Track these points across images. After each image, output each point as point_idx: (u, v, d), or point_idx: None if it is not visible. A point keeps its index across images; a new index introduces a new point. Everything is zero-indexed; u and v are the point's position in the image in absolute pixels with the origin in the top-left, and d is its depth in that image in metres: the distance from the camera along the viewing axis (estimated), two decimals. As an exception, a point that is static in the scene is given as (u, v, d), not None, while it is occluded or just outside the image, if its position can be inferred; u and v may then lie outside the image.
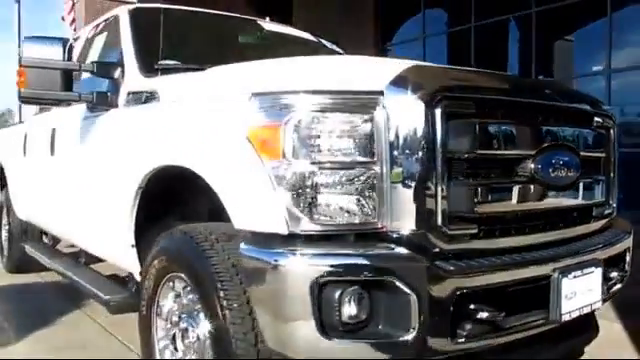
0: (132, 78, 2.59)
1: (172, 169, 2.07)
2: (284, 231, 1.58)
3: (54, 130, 3.42)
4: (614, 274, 2.16)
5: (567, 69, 9.84)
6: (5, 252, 5.28)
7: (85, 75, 2.89)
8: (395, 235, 1.61)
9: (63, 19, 3.89)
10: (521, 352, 1.95)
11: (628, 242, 2.29)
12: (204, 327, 1.94)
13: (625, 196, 2.90)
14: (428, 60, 10.45)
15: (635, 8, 8.01)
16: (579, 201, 2.08)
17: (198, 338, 1.98)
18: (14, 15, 13.16)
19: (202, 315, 1.94)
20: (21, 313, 3.95)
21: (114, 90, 2.63)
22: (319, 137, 1.60)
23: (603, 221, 2.24)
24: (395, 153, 1.61)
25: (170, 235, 2.09)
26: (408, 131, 1.61)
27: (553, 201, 1.95)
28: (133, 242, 2.42)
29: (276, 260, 1.57)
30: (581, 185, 2.07)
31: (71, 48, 2.64)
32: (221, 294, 1.75)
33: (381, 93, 1.62)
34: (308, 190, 1.59)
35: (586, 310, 1.92)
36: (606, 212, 2.27)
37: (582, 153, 2.06)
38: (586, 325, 2.34)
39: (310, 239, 1.60)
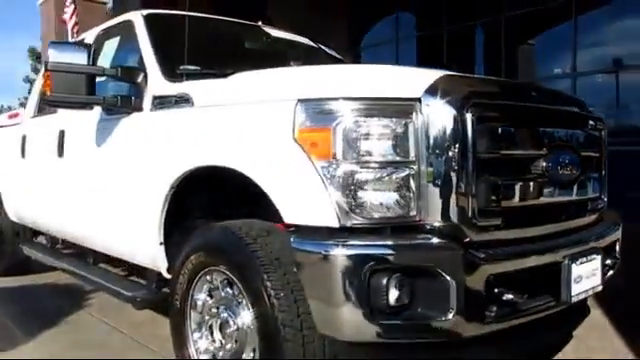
0: (156, 83, 2.70)
1: (210, 169, 2.20)
2: (335, 224, 1.75)
3: (63, 132, 3.47)
4: (608, 261, 2.40)
5: (534, 71, 10.28)
6: (-3, 254, 5.24)
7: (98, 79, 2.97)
8: (432, 227, 1.80)
9: (64, 22, 3.90)
10: (531, 332, 2.17)
11: (619, 233, 2.55)
12: (245, 317, 2.09)
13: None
14: (401, 62, 10.77)
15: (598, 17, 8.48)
16: (580, 196, 2.32)
17: (238, 328, 2.12)
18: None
19: (243, 306, 2.09)
20: (25, 315, 3.96)
21: (137, 94, 2.73)
22: (364, 139, 1.78)
23: (597, 214, 2.49)
24: (431, 154, 1.79)
25: (208, 231, 2.22)
26: (442, 134, 1.80)
27: (560, 196, 2.18)
28: (162, 240, 2.54)
29: (328, 251, 1.73)
30: (581, 181, 2.31)
31: (94, 54, 2.72)
32: (268, 284, 1.90)
33: (418, 100, 1.80)
34: (356, 187, 1.76)
35: (590, 292, 2.16)
36: (599, 206, 2.51)
37: (582, 153, 2.30)
38: (581, 308, 2.59)
39: (357, 231, 1.78)
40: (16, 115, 4.67)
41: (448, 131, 1.80)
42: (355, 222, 1.76)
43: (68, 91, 2.63)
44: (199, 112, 2.32)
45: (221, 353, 2.20)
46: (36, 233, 5.03)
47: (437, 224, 1.80)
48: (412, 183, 1.78)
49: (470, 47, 10.97)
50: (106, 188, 2.92)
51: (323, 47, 4.05)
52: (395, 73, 2.04)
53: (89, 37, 3.75)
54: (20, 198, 4.37)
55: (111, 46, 3.30)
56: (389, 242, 1.76)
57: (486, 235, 1.87)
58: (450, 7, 10.27)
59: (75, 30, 3.89)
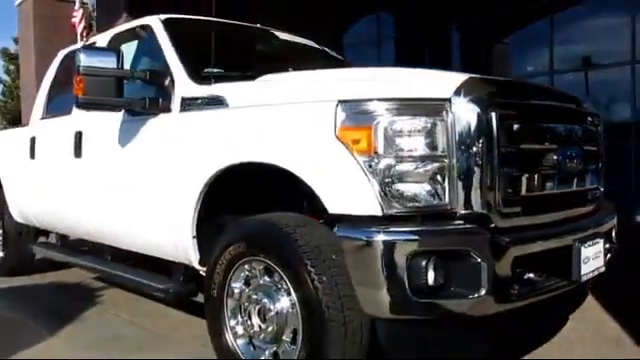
0: (183, 85, 2.84)
1: (248, 166, 2.36)
2: (379, 213, 1.94)
3: (80, 133, 3.57)
4: (607, 246, 2.64)
5: (512, 69, 10.62)
6: (1, 254, 5.26)
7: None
8: (462, 214, 2.00)
9: (74, 26, 3.96)
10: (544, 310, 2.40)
11: (615, 221, 2.79)
12: (284, 302, 2.26)
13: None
14: (383, 61, 11.00)
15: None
16: (583, 186, 2.56)
17: (278, 312, 2.29)
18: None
19: (283, 291, 2.26)
20: (42, 313, 4.03)
21: (164, 96, 2.87)
22: (402, 136, 1.97)
23: (596, 203, 2.73)
24: (460, 148, 1.99)
25: (248, 224, 2.39)
26: (470, 131, 2.00)
27: (568, 186, 2.41)
28: (195, 234, 2.68)
29: (373, 237, 1.92)
30: (584, 173, 2.55)
31: (122, 58, 2.84)
32: (312, 270, 2.07)
33: (448, 100, 2.00)
34: (396, 179, 1.95)
35: (595, 273, 2.40)
36: (597, 195, 2.76)
37: (584, 147, 2.54)
38: (582, 290, 2.83)
39: (397, 219, 1.97)
40: None
41: (475, 128, 2.01)
42: (395, 211, 1.96)
43: (99, 94, 2.76)
44: (236, 113, 2.47)
45: (262, 336, 2.36)
46: (38, 234, 5.11)
47: (467, 212, 2.00)
48: (444, 175, 1.98)
49: (449, 47, 11.28)
50: (134, 186, 3.04)
51: (326, 49, 4.23)
52: (425, 76, 2.24)
53: (101, 40, 3.85)
54: (29, 198, 4.43)
55: (129, 49, 3.40)
56: (427, 228, 1.96)
57: (508, 221, 2.08)
58: (430, 8, 10.54)
59: (85, 33, 3.96)
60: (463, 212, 2.01)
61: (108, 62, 2.77)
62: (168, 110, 2.85)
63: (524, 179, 2.16)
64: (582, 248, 2.28)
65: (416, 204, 1.98)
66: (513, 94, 2.22)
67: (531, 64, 10.03)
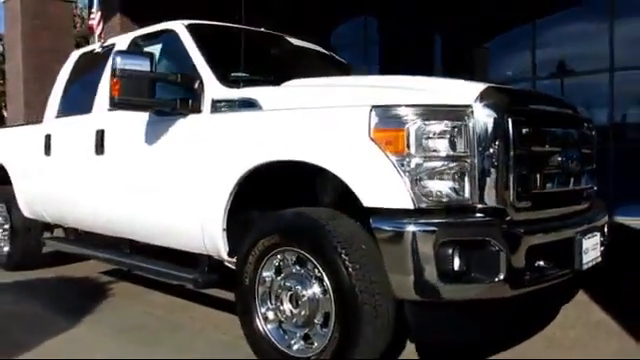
0: (213, 88, 3.03)
1: (282, 163, 2.57)
2: (411, 206, 2.18)
3: (102, 131, 3.73)
4: (602, 239, 2.93)
5: (494, 74, 10.98)
6: (5, 250, 5.37)
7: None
8: (482, 208, 2.25)
9: (91, 28, 4.08)
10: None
11: (606, 217, 3.08)
12: (316, 288, 2.49)
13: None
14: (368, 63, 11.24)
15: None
16: (581, 185, 2.83)
17: (309, 297, 2.51)
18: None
19: (315, 279, 2.48)
20: (59, 304, 4.17)
21: (194, 98, 3.05)
22: (429, 138, 2.21)
23: (591, 200, 3.01)
24: (480, 149, 2.24)
25: (282, 217, 2.60)
26: (489, 134, 2.25)
27: (570, 184, 2.69)
28: (225, 226, 2.88)
29: (406, 228, 2.16)
30: (582, 173, 2.83)
31: (154, 61, 3.02)
32: (346, 258, 2.30)
33: (470, 107, 2.24)
34: (424, 176, 2.19)
35: (593, 262, 2.67)
36: (592, 193, 3.04)
37: (582, 150, 2.82)
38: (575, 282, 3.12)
39: (425, 212, 2.20)
40: None
41: (493, 131, 2.26)
42: (424, 205, 2.19)
43: (133, 95, 2.94)
44: (270, 115, 2.68)
45: (294, 320, 2.57)
46: (44, 229, 5.23)
47: (486, 206, 2.25)
48: (466, 173, 2.22)
49: (431, 51, 11.57)
50: (163, 182, 3.22)
51: (332, 54, 4.46)
52: (448, 85, 2.48)
53: (120, 43, 4.01)
54: (42, 194, 4.54)
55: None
56: (452, 220, 2.20)
57: (522, 215, 2.34)
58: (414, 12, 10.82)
59: (103, 35, 4.10)
60: (482, 206, 2.25)
61: (142, 65, 2.95)
62: (198, 111, 3.04)
63: (534, 177, 2.42)
64: (583, 240, 2.55)
65: (442, 198, 2.22)
66: (524, 101, 2.48)
67: (512, 69, 10.42)
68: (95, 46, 4.25)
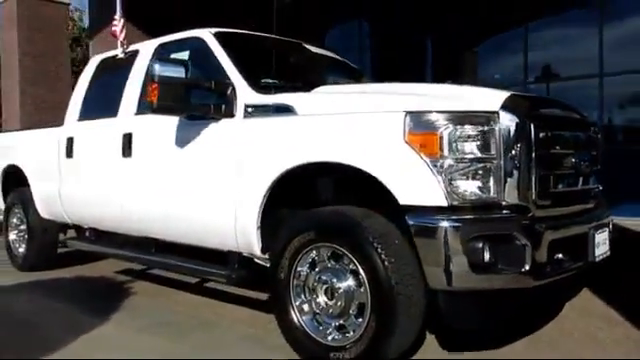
0: (246, 94, 3.20)
1: (316, 165, 2.75)
2: (445, 204, 2.37)
3: (129, 135, 3.88)
4: (609, 234, 3.15)
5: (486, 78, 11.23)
6: (20, 251, 5.48)
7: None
8: (508, 205, 2.45)
9: (115, 35, 4.20)
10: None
11: (610, 215, 3.31)
12: (351, 281, 2.67)
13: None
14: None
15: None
16: (590, 184, 3.06)
17: (345, 290, 2.69)
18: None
19: (349, 272, 2.67)
20: (83, 302, 4.31)
21: (227, 103, 3.22)
22: (460, 141, 2.41)
23: (597, 199, 3.24)
24: (505, 151, 2.45)
25: (318, 215, 2.78)
26: (513, 137, 2.46)
27: (582, 184, 2.91)
28: (259, 224, 3.06)
29: (440, 223, 2.36)
30: (591, 174, 3.05)
31: (189, 68, 3.18)
32: (382, 253, 2.49)
33: (497, 113, 2.45)
34: (456, 176, 2.39)
35: (604, 256, 2.90)
36: (598, 193, 3.27)
37: (591, 152, 3.05)
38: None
39: (457, 209, 2.40)
40: None
41: (517, 135, 2.47)
42: (456, 202, 2.39)
43: (171, 100, 3.11)
44: (306, 119, 2.86)
45: (330, 311, 2.75)
46: (60, 230, 5.35)
47: (511, 203, 2.46)
48: (493, 173, 2.43)
49: (423, 55, 11.81)
50: (196, 183, 3.38)
51: (346, 61, 4.66)
52: (473, 92, 2.69)
53: (144, 49, 4.16)
54: (63, 195, 4.66)
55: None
56: (482, 216, 2.41)
57: (542, 212, 2.56)
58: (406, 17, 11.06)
59: (125, 42, 4.24)
60: (507, 203, 2.46)
61: (178, 72, 3.12)
62: (231, 115, 3.21)
63: (552, 177, 2.64)
64: (595, 235, 2.78)
65: (471, 196, 2.42)
66: (542, 107, 2.70)
67: (502, 72, 10.68)
68: (117, 51, 4.38)
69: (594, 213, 3.01)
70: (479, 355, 2.95)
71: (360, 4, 11.58)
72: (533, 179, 2.50)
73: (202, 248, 3.63)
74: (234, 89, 3.24)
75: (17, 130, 7.65)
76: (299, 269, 2.88)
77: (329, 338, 2.76)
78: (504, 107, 2.48)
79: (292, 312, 2.90)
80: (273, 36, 4.08)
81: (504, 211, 2.45)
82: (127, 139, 3.90)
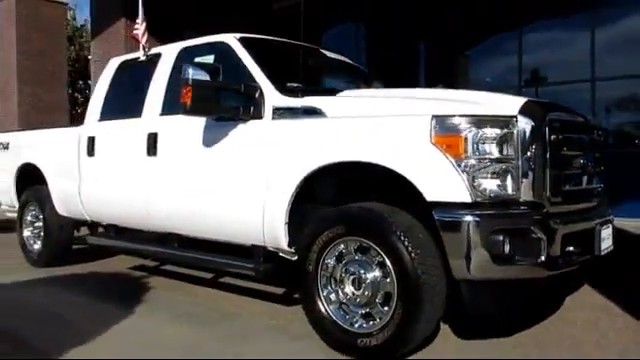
0: (273, 97, 3.40)
1: (346, 164, 2.95)
2: (469, 200, 2.59)
3: (155, 134, 4.05)
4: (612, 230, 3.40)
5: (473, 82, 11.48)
6: (35, 247, 5.61)
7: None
8: (525, 202, 2.68)
9: (136, 39, 4.35)
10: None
11: (611, 213, 3.56)
12: (377, 272, 2.88)
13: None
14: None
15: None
16: (595, 184, 3.30)
17: (371, 280, 2.90)
18: None
19: (376, 264, 2.87)
20: (105, 296, 4.46)
21: (255, 105, 3.41)
22: (482, 143, 2.63)
23: (600, 197, 3.48)
24: (523, 152, 2.67)
25: (347, 211, 2.99)
26: (530, 140, 2.69)
27: (588, 183, 3.15)
28: (287, 220, 3.25)
29: (464, 218, 2.58)
30: (596, 174, 3.29)
31: (219, 72, 3.37)
32: (408, 245, 2.70)
33: (515, 117, 2.67)
34: (478, 174, 2.61)
35: (608, 250, 3.13)
36: (601, 191, 3.51)
37: (595, 153, 3.29)
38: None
39: (479, 205, 2.62)
40: None
41: (533, 138, 2.70)
42: (479, 199, 2.61)
43: (202, 102, 3.29)
44: (335, 121, 3.06)
45: (357, 300, 2.95)
46: (75, 226, 5.50)
47: (527, 200, 2.68)
48: (512, 172, 2.65)
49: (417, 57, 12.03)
50: (224, 181, 3.56)
51: (357, 65, 4.87)
52: (492, 98, 2.92)
53: (167, 53, 4.33)
54: (84, 192, 4.81)
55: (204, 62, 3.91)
56: (502, 212, 2.63)
57: (555, 208, 2.79)
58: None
59: (146, 45, 4.40)
60: (524, 200, 2.68)
61: (203, 75, 3.29)
62: (259, 117, 3.40)
63: (563, 176, 2.87)
64: (601, 230, 3.01)
65: (492, 194, 2.64)
66: (554, 112, 2.93)
67: (494, 76, 10.92)
68: (139, 54, 4.54)
69: (598, 210, 3.24)
70: (490, 344, 3.17)
71: (356, 7, 11.80)
72: (547, 178, 2.73)
73: (224, 243, 3.82)
74: (262, 92, 3.44)
75: (17, 130, 7.75)
76: (327, 261, 3.08)
77: (356, 325, 2.96)
78: (521, 112, 2.70)
79: (319, 302, 3.10)
80: (291, 41, 4.27)
81: (521, 207, 2.67)
82: (152, 139, 4.06)
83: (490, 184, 2.63)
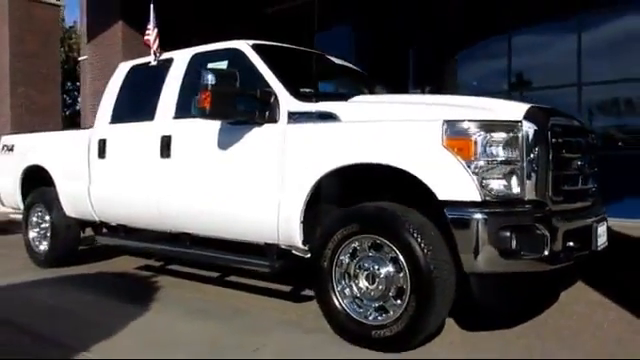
0: (288, 102, 3.56)
1: (358, 166, 3.13)
2: (478, 199, 2.78)
3: (169, 137, 4.19)
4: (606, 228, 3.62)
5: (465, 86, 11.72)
6: (40, 248, 5.70)
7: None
8: (529, 200, 2.88)
9: (148, 44, 4.46)
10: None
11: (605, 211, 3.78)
12: (390, 268, 3.06)
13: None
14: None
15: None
16: (591, 184, 3.52)
17: (385, 275, 3.08)
18: None
19: (389, 260, 3.05)
20: (116, 294, 4.58)
21: (270, 109, 3.58)
22: (490, 146, 2.83)
23: (594, 197, 3.70)
24: (527, 155, 2.87)
25: (363, 210, 3.16)
26: (534, 143, 2.89)
27: (585, 184, 3.37)
28: (302, 219, 3.42)
29: (474, 215, 2.77)
30: (591, 175, 3.51)
31: (237, 78, 3.52)
32: (421, 242, 2.89)
33: (520, 122, 2.87)
34: (487, 175, 2.80)
35: (604, 245, 3.35)
36: (595, 192, 3.73)
37: (591, 155, 3.51)
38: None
39: (488, 203, 2.81)
40: None
41: (537, 141, 2.90)
42: (487, 197, 2.80)
43: (221, 106, 3.44)
44: (350, 125, 3.24)
45: (372, 294, 3.12)
46: (82, 227, 5.61)
47: (532, 198, 2.88)
48: (517, 173, 2.85)
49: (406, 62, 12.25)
50: (240, 182, 3.71)
51: (361, 70, 5.06)
52: (498, 104, 3.12)
53: (179, 58, 4.47)
54: (94, 193, 4.92)
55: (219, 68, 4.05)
56: (508, 210, 2.83)
57: (556, 207, 2.99)
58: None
59: (158, 51, 4.52)
60: (528, 199, 2.88)
61: (212, 81, 3.44)
62: (274, 121, 3.57)
63: (564, 177, 3.08)
64: (598, 227, 3.23)
65: (499, 193, 2.83)
66: (555, 117, 3.14)
67: (486, 81, 11.17)
68: (149, 59, 4.67)
69: (594, 208, 3.46)
70: (493, 335, 3.36)
71: (346, 12, 12.00)
72: (549, 178, 2.94)
73: (232, 241, 3.97)
74: (276, 97, 3.60)
75: (12, 132, 7.80)
76: (341, 258, 3.25)
77: (370, 318, 3.13)
78: (526, 117, 2.91)
79: (334, 296, 3.27)
80: (300, 48, 4.44)
81: (526, 205, 2.87)
82: (166, 141, 4.21)
83: (497, 184, 2.82)
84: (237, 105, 3.51)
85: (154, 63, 4.64)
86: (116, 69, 5.16)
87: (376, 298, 3.12)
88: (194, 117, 3.96)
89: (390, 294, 3.07)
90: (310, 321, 3.65)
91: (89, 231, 5.77)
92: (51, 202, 5.49)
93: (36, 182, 5.77)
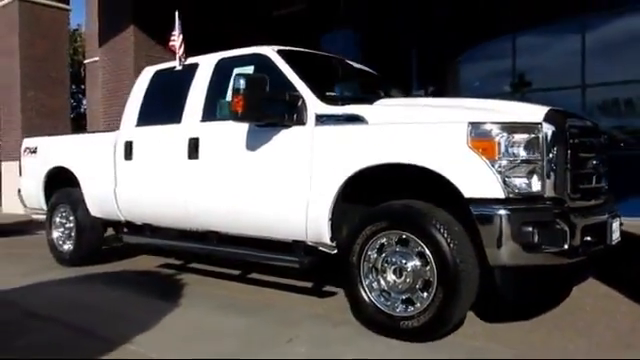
0: (315, 105, 3.74)
1: (384, 166, 3.30)
2: (502, 196, 2.96)
3: (196, 139, 4.36)
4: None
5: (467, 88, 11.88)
6: (65, 248, 5.87)
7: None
8: (549, 198, 3.06)
9: (173, 50, 4.63)
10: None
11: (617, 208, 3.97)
12: (416, 262, 3.23)
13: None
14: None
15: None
16: (603, 183, 3.70)
17: (411, 269, 3.25)
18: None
19: (415, 254, 3.23)
20: (146, 290, 4.75)
21: (298, 112, 3.75)
22: (513, 146, 3.01)
23: (606, 195, 3.88)
24: (547, 155, 3.05)
25: (390, 207, 3.34)
26: (553, 143, 3.07)
27: (599, 182, 3.55)
28: (330, 217, 3.59)
29: (498, 212, 2.95)
30: (604, 173, 3.70)
31: (267, 83, 3.70)
32: (447, 237, 3.07)
33: (540, 123, 3.05)
34: (510, 174, 2.98)
35: (618, 240, 3.54)
36: (607, 189, 3.91)
37: (603, 155, 3.69)
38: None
39: (510, 201, 2.99)
40: None
41: (556, 142, 3.08)
42: (510, 195, 2.98)
43: (251, 110, 3.62)
44: (377, 127, 3.41)
45: (400, 287, 3.30)
46: (105, 226, 5.78)
47: (551, 196, 3.07)
48: (538, 172, 3.03)
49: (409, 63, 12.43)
50: (269, 182, 3.88)
51: (377, 74, 5.24)
52: (518, 107, 3.31)
53: (205, 63, 4.65)
54: (121, 194, 5.10)
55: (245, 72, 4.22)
56: (530, 206, 3.01)
57: (575, 203, 3.18)
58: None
59: (183, 56, 4.70)
60: (548, 196, 3.07)
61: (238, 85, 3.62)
62: (302, 123, 3.74)
63: (581, 175, 3.27)
64: (612, 222, 3.41)
65: (521, 191, 3.01)
66: (572, 119, 3.33)
67: (489, 83, 11.34)
68: (174, 63, 4.84)
69: (607, 205, 3.64)
70: (511, 327, 3.54)
71: (349, 14, 12.19)
72: (567, 177, 3.12)
73: (258, 239, 4.14)
74: (304, 101, 3.78)
75: (17, 134, 7.95)
76: (369, 253, 3.43)
77: (397, 310, 3.31)
78: (545, 119, 3.09)
79: (362, 290, 3.44)
80: (321, 53, 4.62)
81: (546, 202, 3.05)
82: (194, 143, 4.38)
83: (519, 182, 3.00)
84: (267, 108, 3.68)
85: (179, 68, 4.81)
86: (140, 74, 5.33)
87: (403, 291, 3.30)
88: (221, 120, 4.18)
89: (417, 287, 3.25)
90: (338, 315, 3.82)
91: (109, 231, 5.96)
92: (76, 202, 5.65)
93: (58, 184, 5.94)
